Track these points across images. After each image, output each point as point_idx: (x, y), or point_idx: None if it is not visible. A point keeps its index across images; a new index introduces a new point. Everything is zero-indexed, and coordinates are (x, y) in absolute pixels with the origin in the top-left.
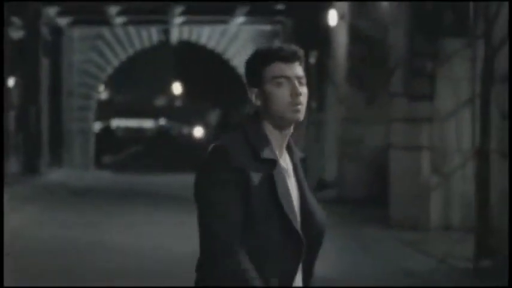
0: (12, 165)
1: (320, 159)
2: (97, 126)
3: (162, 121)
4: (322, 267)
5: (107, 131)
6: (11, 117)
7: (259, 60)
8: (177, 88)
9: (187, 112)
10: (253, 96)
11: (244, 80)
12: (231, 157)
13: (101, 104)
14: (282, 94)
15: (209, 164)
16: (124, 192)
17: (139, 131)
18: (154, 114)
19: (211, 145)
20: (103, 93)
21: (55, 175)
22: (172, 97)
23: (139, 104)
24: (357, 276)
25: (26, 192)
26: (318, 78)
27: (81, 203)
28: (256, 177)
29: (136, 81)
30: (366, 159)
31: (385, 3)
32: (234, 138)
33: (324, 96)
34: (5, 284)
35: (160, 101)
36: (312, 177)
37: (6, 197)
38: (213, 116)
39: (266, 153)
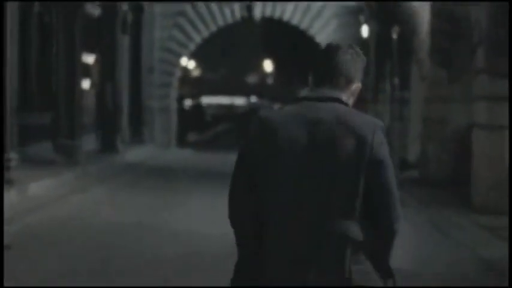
0: (90, 143)
1: (403, 139)
2: (187, 103)
3: (253, 99)
4: (397, 255)
5: (196, 108)
6: (90, 94)
7: None
8: (268, 65)
9: (279, 90)
10: (355, 88)
11: (356, 71)
12: None
13: (192, 81)
14: None
15: (384, 138)
16: (203, 172)
17: (230, 108)
18: (245, 91)
19: (377, 121)
20: (194, 70)
21: (134, 153)
22: (264, 75)
23: (230, 81)
24: (431, 267)
25: (98, 171)
26: (400, 55)
27: (154, 183)
28: None
29: (227, 59)
30: (449, 139)
31: None
32: None
33: (408, 73)
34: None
35: (252, 79)
36: (395, 157)
37: (73, 176)
38: (304, 94)
39: None
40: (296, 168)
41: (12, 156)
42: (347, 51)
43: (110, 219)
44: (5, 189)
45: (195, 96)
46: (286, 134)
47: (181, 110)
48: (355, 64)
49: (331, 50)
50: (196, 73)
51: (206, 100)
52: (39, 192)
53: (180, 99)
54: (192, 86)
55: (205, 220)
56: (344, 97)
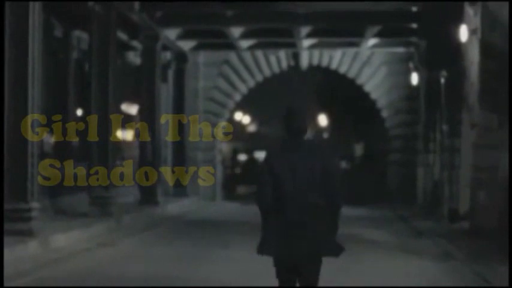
0: (132, 195)
1: (453, 188)
2: (241, 157)
3: None
4: None
5: (249, 162)
6: (134, 145)
7: None
8: (322, 120)
9: (334, 144)
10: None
11: (308, 116)
12: None
13: (247, 136)
14: None
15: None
16: (246, 225)
17: None
18: None
19: (331, 151)
20: (250, 125)
21: (175, 206)
22: (319, 129)
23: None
24: None
25: (133, 224)
26: (450, 101)
27: (190, 236)
28: None
29: (282, 112)
30: (501, 187)
31: None
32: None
33: (459, 120)
34: None
35: (308, 134)
36: (444, 207)
37: (104, 228)
38: (358, 150)
39: None
40: (293, 173)
41: (33, 205)
42: (303, 109)
43: (129, 275)
44: (24, 241)
45: (250, 151)
46: (286, 158)
47: (233, 164)
48: (307, 113)
49: (296, 112)
50: (251, 128)
51: (260, 155)
52: (62, 245)
53: (234, 154)
54: (247, 140)
55: (230, 277)
56: (309, 135)
